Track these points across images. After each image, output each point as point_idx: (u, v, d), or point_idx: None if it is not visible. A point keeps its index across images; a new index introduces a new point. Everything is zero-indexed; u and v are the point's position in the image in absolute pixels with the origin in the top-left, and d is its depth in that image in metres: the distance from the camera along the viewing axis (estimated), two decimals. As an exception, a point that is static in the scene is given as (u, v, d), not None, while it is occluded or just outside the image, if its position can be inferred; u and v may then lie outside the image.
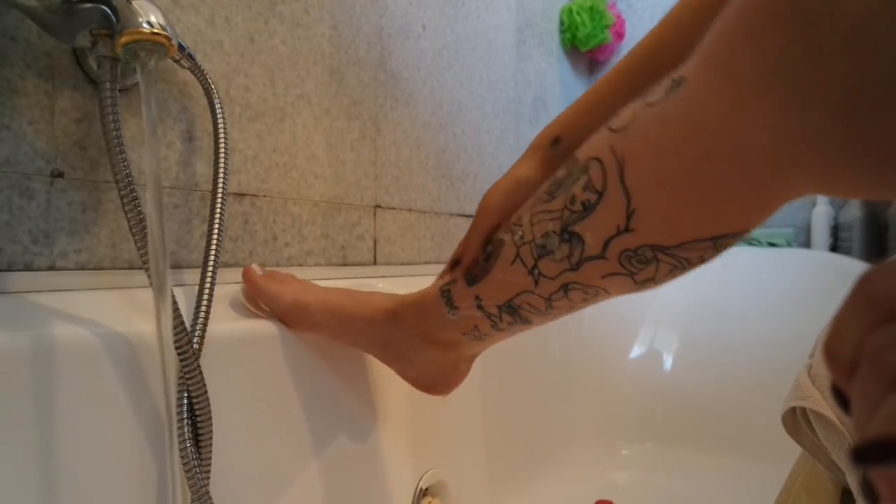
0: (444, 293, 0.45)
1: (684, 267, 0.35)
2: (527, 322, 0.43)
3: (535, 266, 0.39)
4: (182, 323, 0.43)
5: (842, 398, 0.18)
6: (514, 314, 0.43)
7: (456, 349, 0.49)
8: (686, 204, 0.32)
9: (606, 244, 0.35)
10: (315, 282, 0.56)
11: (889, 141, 0.25)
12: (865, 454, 0.15)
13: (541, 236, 0.38)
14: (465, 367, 0.53)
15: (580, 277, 0.38)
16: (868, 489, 0.15)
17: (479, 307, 0.44)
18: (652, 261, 0.35)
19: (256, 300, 0.55)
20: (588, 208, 0.36)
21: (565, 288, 0.39)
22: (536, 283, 0.40)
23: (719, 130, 0.30)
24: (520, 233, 0.40)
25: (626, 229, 0.34)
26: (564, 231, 0.37)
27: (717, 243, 0.33)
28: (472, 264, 0.44)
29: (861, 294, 0.18)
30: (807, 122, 0.27)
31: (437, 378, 0.52)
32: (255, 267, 0.55)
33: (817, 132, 0.27)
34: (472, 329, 0.46)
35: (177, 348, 0.43)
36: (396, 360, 0.52)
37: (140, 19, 0.41)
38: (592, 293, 0.39)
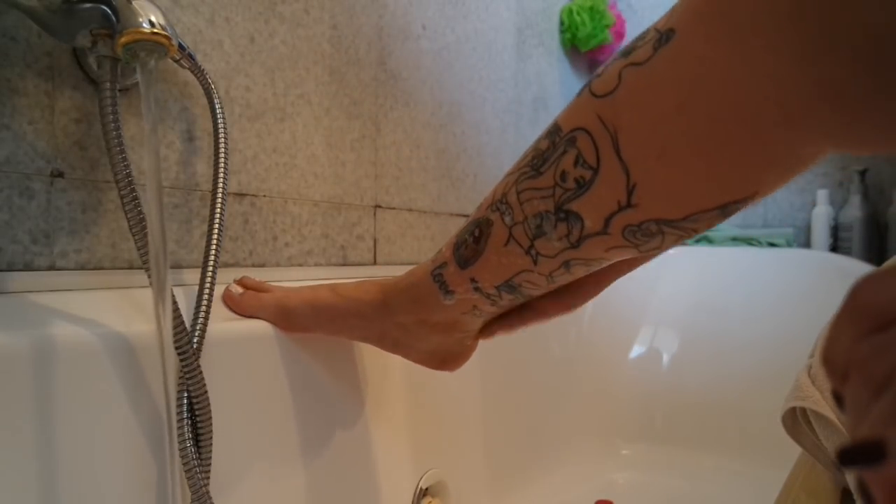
0: (436, 277, 0.43)
1: (691, 235, 0.33)
2: (528, 296, 0.42)
3: (531, 246, 0.37)
4: (182, 323, 0.43)
5: (841, 402, 0.19)
6: (513, 291, 0.41)
7: (456, 328, 0.48)
8: (690, 173, 0.30)
9: (608, 221, 0.33)
10: (314, 282, 0.56)
11: None
12: (851, 455, 0.15)
13: (533, 216, 0.36)
14: (470, 342, 0.51)
15: (582, 254, 0.36)
16: (865, 491, 0.16)
17: (477, 289, 0.42)
18: (657, 234, 0.33)
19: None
20: (583, 185, 0.33)
21: (566, 264, 0.37)
22: (535, 262, 0.38)
23: (721, 88, 0.27)
24: (509, 214, 0.37)
25: (629, 205, 0.32)
26: (559, 210, 0.35)
27: (725, 210, 0.31)
28: (459, 244, 0.42)
29: (852, 303, 0.18)
30: (826, 71, 0.24)
31: (443, 356, 0.51)
32: (233, 287, 0.55)
33: (838, 82, 0.24)
34: (471, 309, 0.44)
35: (177, 348, 0.43)
36: (396, 347, 0.51)
37: (140, 19, 0.41)
38: (596, 264, 0.37)
